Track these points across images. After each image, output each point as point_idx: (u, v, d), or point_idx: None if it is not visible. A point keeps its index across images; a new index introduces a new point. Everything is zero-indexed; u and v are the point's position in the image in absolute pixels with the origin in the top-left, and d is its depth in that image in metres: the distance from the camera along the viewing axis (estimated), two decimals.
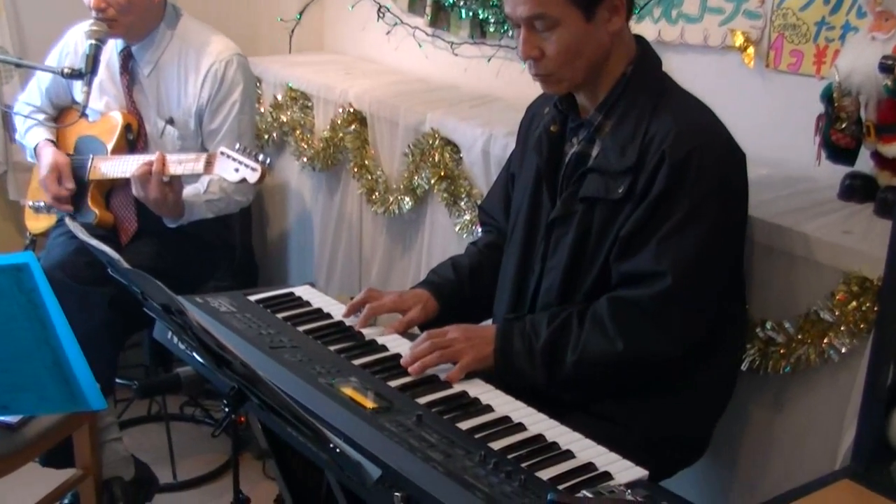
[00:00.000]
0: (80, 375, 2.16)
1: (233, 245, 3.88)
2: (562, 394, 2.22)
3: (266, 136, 4.24)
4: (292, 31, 4.67)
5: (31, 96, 3.68)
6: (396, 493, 1.74)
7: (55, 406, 2.25)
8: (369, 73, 4.17)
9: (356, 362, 2.20)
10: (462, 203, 3.35)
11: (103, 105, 3.50)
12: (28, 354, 2.12)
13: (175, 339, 2.37)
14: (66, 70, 3.24)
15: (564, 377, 2.20)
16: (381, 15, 4.28)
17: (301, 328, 2.37)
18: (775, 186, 2.65)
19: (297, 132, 4.10)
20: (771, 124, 2.86)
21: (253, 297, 2.54)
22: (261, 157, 3.00)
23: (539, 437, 1.94)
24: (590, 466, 1.84)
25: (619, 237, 2.20)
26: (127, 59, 3.47)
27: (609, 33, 2.23)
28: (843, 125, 2.49)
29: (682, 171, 2.13)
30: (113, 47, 3.48)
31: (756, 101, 2.91)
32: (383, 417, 1.93)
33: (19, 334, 2.09)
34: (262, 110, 4.23)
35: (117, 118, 3.44)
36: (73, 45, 3.55)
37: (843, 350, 2.26)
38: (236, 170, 3.01)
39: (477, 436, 1.91)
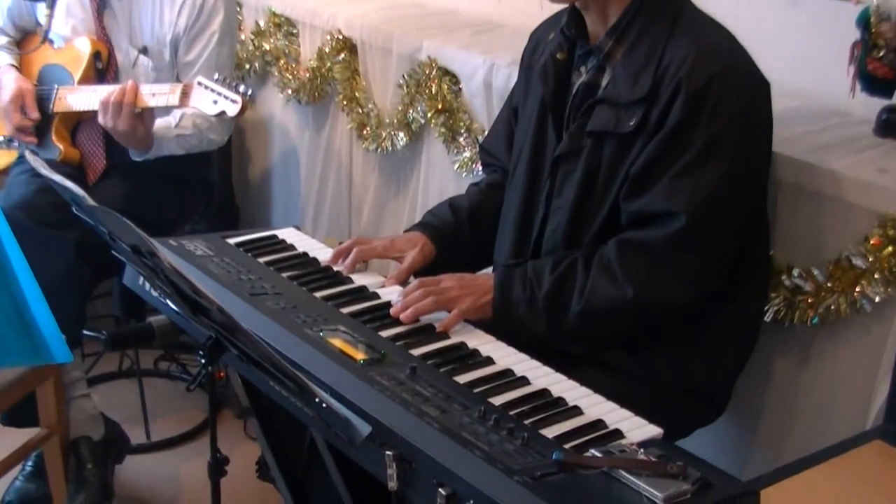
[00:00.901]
0: (44, 326, 2.16)
1: (211, 184, 3.86)
2: (566, 345, 2.23)
3: (247, 67, 4.21)
4: None
5: None
6: (388, 452, 1.74)
7: (16, 359, 2.25)
8: None
9: (344, 310, 2.21)
10: (461, 139, 3.34)
11: (69, 30, 3.46)
12: None
13: (147, 286, 2.38)
14: None
15: (569, 327, 2.21)
16: None
17: (285, 274, 2.37)
18: (804, 120, 2.63)
19: (281, 62, 4.07)
20: (801, 52, 2.84)
21: (232, 240, 2.54)
22: (241, 88, 2.99)
23: (544, 392, 1.94)
24: (599, 424, 1.85)
25: (630, 174, 2.20)
26: None
27: None
28: (881, 53, 2.47)
29: (699, 100, 2.12)
30: None
31: (784, 26, 2.88)
32: (374, 370, 1.93)
33: None
34: (243, 38, 4.20)
35: (85, 45, 3.41)
36: None
37: (877, 299, 2.26)
38: (215, 102, 3.01)
39: (476, 390, 1.92)
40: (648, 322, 2.22)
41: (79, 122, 3.45)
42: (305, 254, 2.49)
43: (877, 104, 2.56)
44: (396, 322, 2.18)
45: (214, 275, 2.30)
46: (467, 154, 3.30)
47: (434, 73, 3.41)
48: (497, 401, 1.89)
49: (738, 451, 2.63)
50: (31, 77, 3.50)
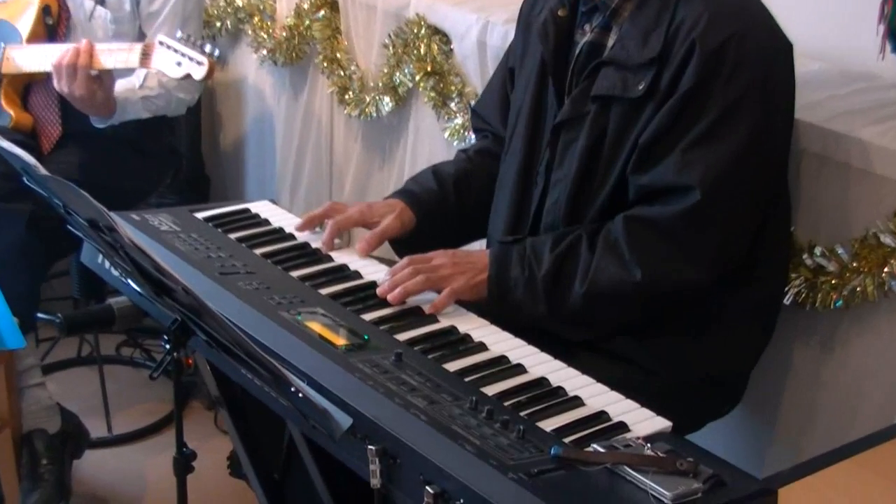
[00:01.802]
0: None
1: (178, 153, 3.86)
2: (566, 330, 2.23)
3: (218, 25, 4.21)
4: None
5: None
6: (370, 447, 1.74)
7: None
8: None
9: (323, 291, 2.21)
10: (452, 104, 3.33)
11: None
12: None
13: (107, 264, 2.37)
14: None
15: (571, 311, 2.21)
16: None
17: (258, 251, 2.37)
18: (829, 84, 2.63)
19: (256, 19, 4.07)
20: (826, 10, 2.84)
21: (200, 215, 2.54)
22: (208, 48, 2.99)
23: (542, 381, 1.94)
24: (602, 416, 1.85)
25: (638, 144, 2.20)
26: None
27: None
28: None
29: (715, 63, 2.12)
30: None
31: None
32: (356, 356, 1.93)
33: None
34: None
35: None
36: None
37: None
38: (178, 63, 3.00)
39: (467, 379, 1.92)
40: (659, 306, 2.22)
41: (30, 84, 3.43)
42: (281, 229, 2.49)
43: None
44: (380, 304, 2.18)
45: (181, 252, 2.30)
46: (459, 121, 3.30)
47: (423, 31, 3.40)
48: (490, 390, 1.89)
49: (754, 446, 2.64)
50: None
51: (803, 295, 2.40)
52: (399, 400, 1.79)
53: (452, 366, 1.96)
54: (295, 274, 2.28)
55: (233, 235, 2.44)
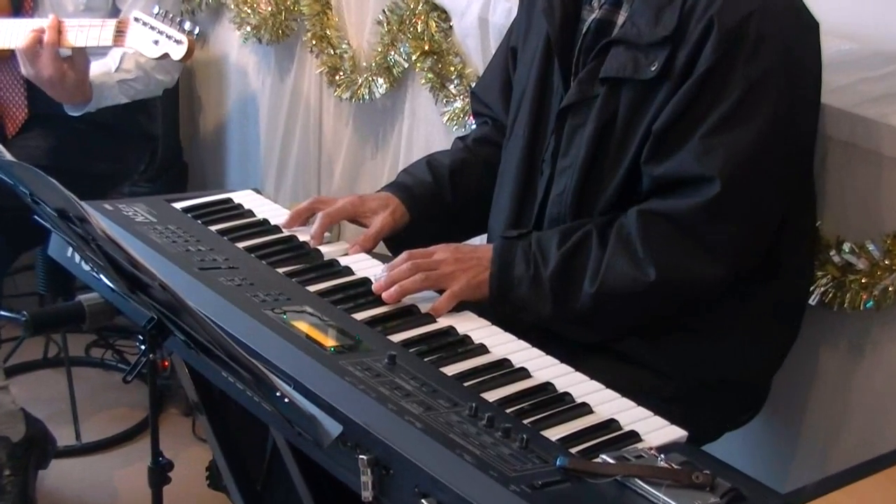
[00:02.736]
0: None
1: (154, 137, 3.87)
2: (574, 332, 2.24)
3: None
4: None
5: None
6: (362, 456, 1.74)
7: None
8: None
9: (312, 288, 2.21)
10: (451, 86, 3.34)
11: None
12: None
13: (76, 258, 2.38)
14: None
15: (579, 312, 2.21)
16: None
17: (241, 244, 2.38)
18: (860, 66, 2.63)
19: None
20: None
21: (178, 205, 2.55)
22: (187, 26, 2.99)
23: (547, 386, 1.95)
24: (611, 424, 1.85)
25: (652, 131, 2.20)
26: None
27: None
28: None
29: (735, 42, 2.12)
30: None
31: None
32: (346, 359, 1.93)
33: None
34: None
35: None
36: None
37: None
38: (155, 42, 3.00)
39: (466, 383, 1.92)
40: (675, 307, 2.23)
41: None
42: (266, 221, 2.50)
43: None
44: (372, 303, 2.18)
45: (157, 245, 2.30)
46: (458, 104, 3.31)
47: (420, 7, 3.41)
48: (491, 396, 1.89)
49: (776, 458, 2.64)
50: None
51: (830, 295, 2.40)
52: (393, 406, 1.79)
53: (450, 369, 1.96)
54: (281, 269, 2.28)
55: (213, 227, 2.44)
